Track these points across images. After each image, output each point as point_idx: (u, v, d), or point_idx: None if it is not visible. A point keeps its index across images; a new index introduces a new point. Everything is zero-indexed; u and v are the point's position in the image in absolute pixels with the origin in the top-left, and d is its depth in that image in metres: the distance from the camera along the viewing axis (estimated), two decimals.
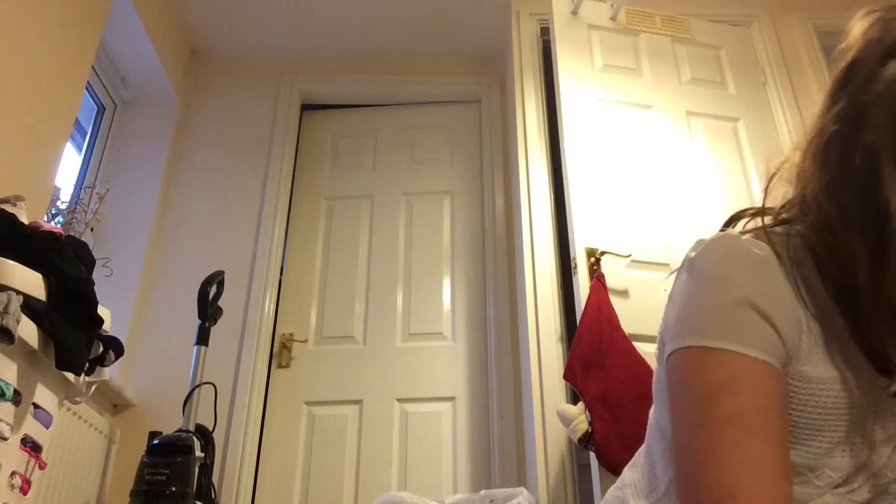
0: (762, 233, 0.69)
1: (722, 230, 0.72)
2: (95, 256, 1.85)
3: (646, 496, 0.77)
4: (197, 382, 2.06)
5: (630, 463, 0.86)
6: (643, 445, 0.83)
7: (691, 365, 0.64)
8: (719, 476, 0.58)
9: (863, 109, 0.65)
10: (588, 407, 1.86)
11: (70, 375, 1.65)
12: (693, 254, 0.71)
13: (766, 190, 0.75)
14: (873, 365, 0.62)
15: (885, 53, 0.66)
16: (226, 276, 2.24)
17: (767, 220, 0.71)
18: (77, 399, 1.80)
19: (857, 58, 0.69)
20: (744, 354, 0.62)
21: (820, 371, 0.64)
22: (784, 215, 0.72)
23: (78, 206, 2.65)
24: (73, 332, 1.56)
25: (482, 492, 1.88)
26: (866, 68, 0.67)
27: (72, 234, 2.44)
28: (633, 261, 2.11)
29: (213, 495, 2.00)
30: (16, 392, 1.44)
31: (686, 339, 0.65)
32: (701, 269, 0.69)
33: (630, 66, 2.58)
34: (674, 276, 0.75)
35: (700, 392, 0.63)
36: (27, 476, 1.50)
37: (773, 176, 0.75)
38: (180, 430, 1.94)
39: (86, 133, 2.94)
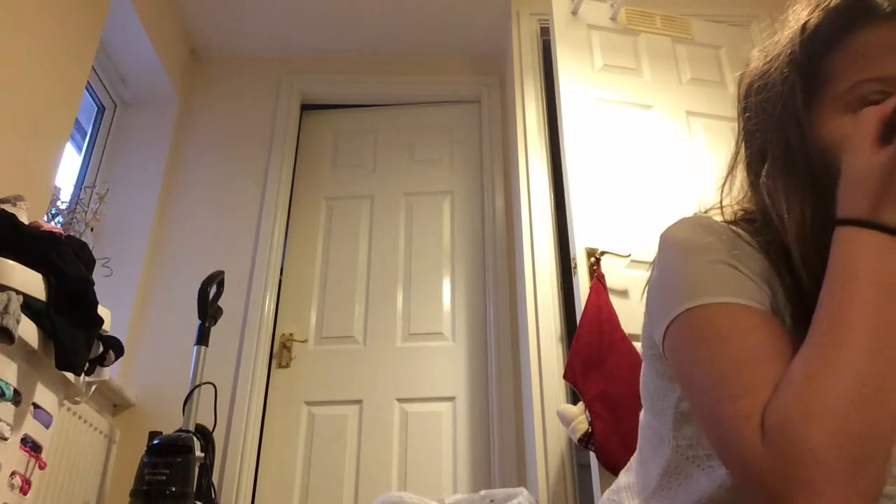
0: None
1: None
2: (95, 256, 1.85)
3: (638, 495, 0.78)
4: (197, 382, 2.06)
5: (625, 468, 0.87)
6: (636, 450, 0.83)
7: (691, 325, 0.66)
8: (737, 396, 0.58)
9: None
10: (588, 407, 1.86)
11: (70, 375, 1.65)
12: (665, 232, 0.75)
13: (721, 188, 0.79)
14: None
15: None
16: (226, 276, 2.23)
17: (728, 213, 0.76)
18: (77, 399, 1.80)
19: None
20: (736, 304, 0.64)
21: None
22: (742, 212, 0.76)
23: (78, 206, 2.64)
24: (73, 332, 1.56)
25: (482, 492, 1.88)
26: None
27: (72, 234, 2.44)
28: (632, 261, 2.11)
29: (213, 495, 2.00)
30: (16, 392, 1.44)
31: (678, 307, 0.67)
32: (675, 241, 0.73)
33: (630, 66, 2.58)
34: None
35: (704, 350, 0.63)
36: (27, 476, 1.50)
37: (729, 171, 0.79)
38: (180, 430, 1.94)
39: (86, 133, 2.94)
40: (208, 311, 2.11)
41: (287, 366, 2.74)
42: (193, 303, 2.11)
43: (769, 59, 0.74)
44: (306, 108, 3.30)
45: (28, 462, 1.50)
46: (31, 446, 1.52)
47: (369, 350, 2.79)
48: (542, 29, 2.89)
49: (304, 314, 2.86)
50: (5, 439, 1.41)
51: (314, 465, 2.56)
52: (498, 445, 2.53)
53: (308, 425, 2.64)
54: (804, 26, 0.71)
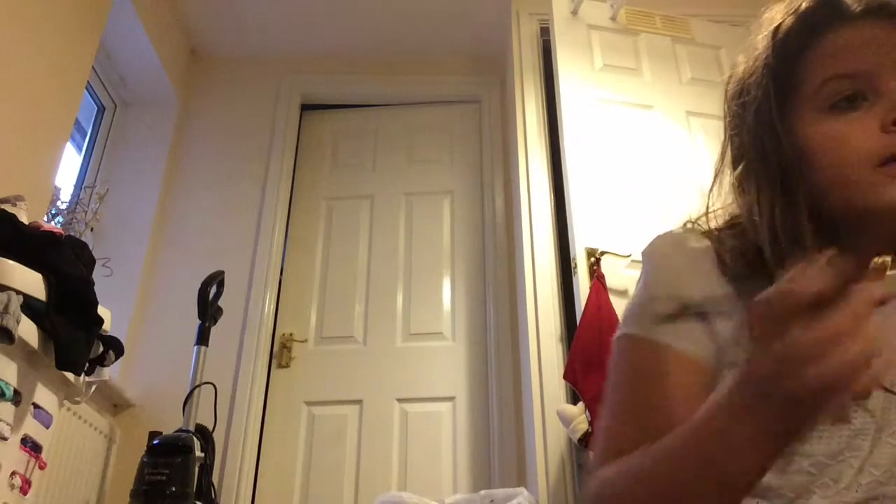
0: (709, 232, 0.74)
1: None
2: (95, 256, 1.84)
3: None
4: (197, 382, 2.06)
5: None
6: None
7: (618, 350, 0.69)
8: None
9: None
10: (588, 407, 1.86)
11: (70, 375, 1.65)
12: (644, 250, 0.76)
13: (709, 192, 0.80)
14: None
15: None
16: (226, 276, 2.23)
17: (717, 218, 0.77)
18: (77, 399, 1.80)
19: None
20: (660, 343, 0.66)
21: None
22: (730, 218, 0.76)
23: (78, 206, 2.64)
24: (73, 332, 1.56)
25: (482, 492, 1.88)
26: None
27: (72, 234, 2.44)
28: (632, 261, 2.11)
29: (213, 495, 2.00)
30: (16, 392, 1.44)
31: (620, 328, 0.70)
32: (643, 264, 0.75)
33: (630, 66, 2.58)
34: None
35: (618, 377, 0.68)
36: (27, 476, 1.50)
37: (715, 177, 0.80)
38: (180, 430, 1.94)
39: (86, 133, 2.94)
40: (208, 311, 2.11)
41: (287, 366, 2.74)
42: (193, 303, 2.11)
43: (747, 63, 0.76)
44: (306, 108, 3.30)
45: (28, 462, 1.50)
46: (31, 446, 1.52)
47: (369, 350, 2.79)
48: (542, 29, 2.89)
49: (304, 314, 2.85)
50: (5, 439, 1.41)
51: (314, 465, 2.56)
52: (498, 445, 2.53)
53: (308, 425, 2.64)
54: (776, 30, 0.72)
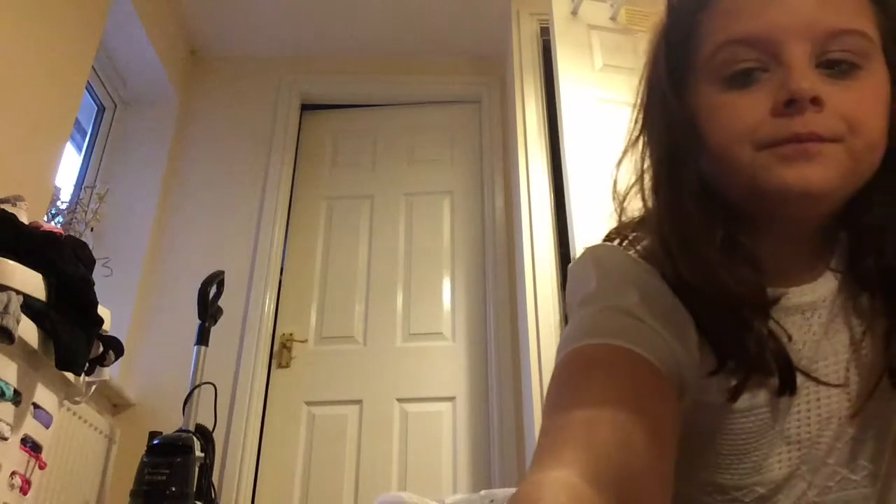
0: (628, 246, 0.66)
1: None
2: (95, 256, 1.84)
3: None
4: (197, 382, 2.06)
5: None
6: None
7: (558, 364, 0.58)
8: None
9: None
10: None
11: (70, 375, 1.65)
12: (570, 267, 0.68)
13: (620, 209, 0.71)
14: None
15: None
16: (226, 276, 2.23)
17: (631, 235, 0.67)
18: (77, 399, 1.80)
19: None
20: (604, 343, 0.55)
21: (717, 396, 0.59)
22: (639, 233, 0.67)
23: (78, 206, 2.64)
24: (73, 332, 1.56)
25: (482, 492, 1.88)
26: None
27: (72, 234, 2.44)
28: None
29: (213, 495, 2.00)
30: (16, 392, 1.44)
31: (560, 350, 0.59)
32: (569, 275, 0.67)
33: (630, 66, 2.58)
34: None
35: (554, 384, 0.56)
36: (27, 476, 1.50)
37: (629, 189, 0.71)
38: (180, 430, 1.94)
39: (86, 133, 2.94)
40: (208, 311, 2.12)
41: (287, 366, 2.74)
42: (193, 303, 2.11)
43: (655, 28, 0.67)
44: (306, 108, 3.29)
45: (28, 462, 1.50)
46: (31, 446, 1.52)
47: (369, 350, 2.79)
48: (542, 29, 2.89)
49: (304, 314, 2.85)
50: (5, 439, 1.41)
51: (314, 465, 2.56)
52: (498, 445, 2.53)
53: (308, 425, 2.64)
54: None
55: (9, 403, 1.42)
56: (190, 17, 3.10)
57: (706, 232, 0.58)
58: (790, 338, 0.59)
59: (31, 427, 1.52)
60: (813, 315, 0.60)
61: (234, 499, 2.39)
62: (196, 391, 2.04)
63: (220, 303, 2.20)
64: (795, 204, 0.55)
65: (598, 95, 2.44)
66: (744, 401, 0.59)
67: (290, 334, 2.79)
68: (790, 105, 0.54)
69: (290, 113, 3.18)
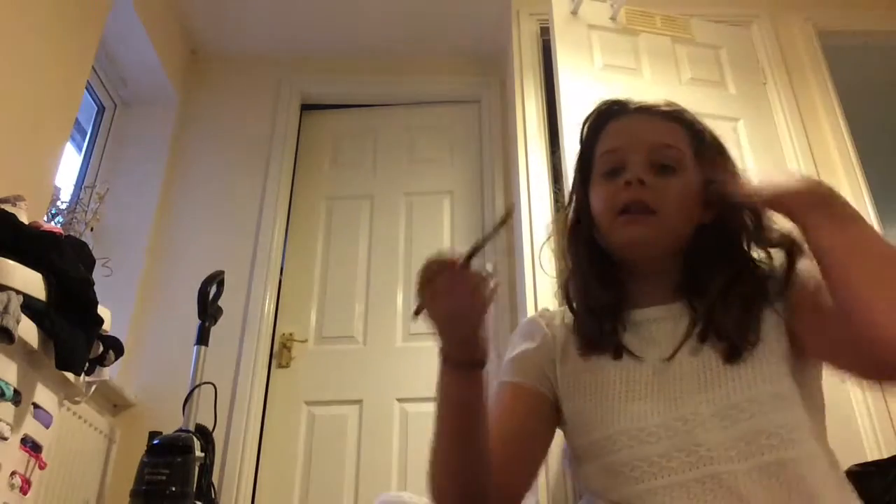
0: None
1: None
2: (95, 256, 1.84)
3: None
4: (197, 382, 2.06)
5: None
6: None
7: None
8: None
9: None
10: None
11: (70, 375, 1.64)
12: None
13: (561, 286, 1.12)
14: (609, 353, 0.95)
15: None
16: (226, 276, 2.23)
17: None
18: (77, 399, 1.80)
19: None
20: (505, 381, 1.03)
21: (573, 366, 0.99)
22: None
23: (78, 206, 2.64)
24: (73, 332, 1.56)
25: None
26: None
27: (72, 234, 2.44)
28: None
29: (213, 495, 2.00)
30: (16, 392, 1.44)
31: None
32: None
33: (630, 66, 2.58)
34: None
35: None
36: (27, 476, 1.50)
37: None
38: (180, 430, 1.94)
39: (86, 133, 2.94)
40: (208, 310, 2.11)
41: (287, 366, 2.74)
42: (193, 303, 2.11)
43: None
44: (306, 108, 3.29)
45: (28, 462, 1.50)
46: (31, 446, 1.52)
47: (369, 350, 2.79)
48: (542, 29, 2.89)
49: (304, 314, 2.85)
50: (5, 439, 1.41)
51: (314, 465, 2.56)
52: None
53: (308, 425, 2.64)
54: (588, 118, 1.10)
55: (9, 403, 1.42)
56: (190, 17, 3.10)
57: (592, 271, 1.02)
58: (625, 330, 0.98)
59: (31, 427, 1.52)
60: (660, 322, 0.97)
61: (234, 499, 2.39)
62: (196, 391, 2.04)
63: (220, 303, 2.20)
64: (632, 250, 0.98)
65: (598, 95, 2.41)
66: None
67: (290, 334, 2.79)
68: (627, 185, 0.95)
69: (290, 113, 3.18)
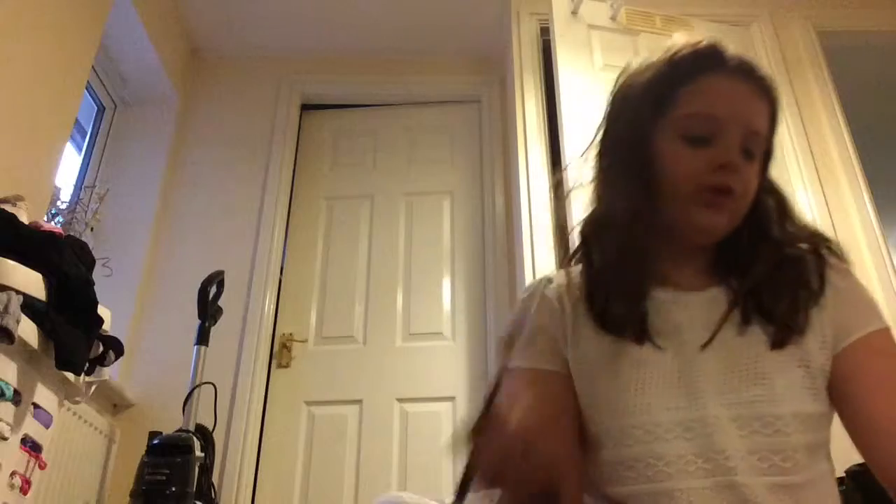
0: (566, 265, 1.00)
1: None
2: (95, 256, 1.84)
3: None
4: (197, 382, 2.06)
5: None
6: None
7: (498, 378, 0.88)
8: None
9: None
10: None
11: (70, 375, 1.65)
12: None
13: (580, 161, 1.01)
14: (630, 337, 0.84)
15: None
16: (226, 276, 2.23)
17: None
18: (77, 399, 1.80)
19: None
20: (521, 368, 0.89)
21: (586, 349, 0.87)
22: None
23: (78, 206, 2.64)
24: (73, 332, 1.56)
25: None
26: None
27: (72, 234, 2.44)
28: None
29: (213, 495, 2.00)
30: (16, 392, 1.44)
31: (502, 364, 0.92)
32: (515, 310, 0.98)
33: None
34: None
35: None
36: (27, 476, 1.50)
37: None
38: (180, 430, 1.94)
39: (86, 133, 2.94)
40: (208, 310, 2.11)
41: (287, 366, 2.74)
42: (193, 303, 2.11)
43: (641, 70, 0.92)
44: (306, 108, 3.29)
45: (28, 462, 1.50)
46: (31, 446, 1.52)
47: (369, 350, 2.79)
48: (542, 29, 2.89)
49: (304, 314, 2.85)
50: (5, 439, 1.41)
51: (314, 465, 2.56)
52: None
53: (308, 425, 2.64)
54: (672, 57, 0.89)
55: (9, 403, 1.42)
56: (190, 17, 3.10)
57: (637, 226, 0.87)
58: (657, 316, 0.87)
59: (31, 427, 1.52)
60: (690, 308, 0.87)
61: (234, 499, 2.39)
62: (196, 391, 2.04)
63: (220, 303, 2.20)
64: (698, 235, 0.87)
65: (598, 95, 2.43)
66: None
67: (290, 334, 2.79)
68: (723, 167, 0.83)
69: (290, 113, 3.18)
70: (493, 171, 3.07)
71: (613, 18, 2.65)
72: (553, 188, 2.30)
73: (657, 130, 0.87)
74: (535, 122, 2.70)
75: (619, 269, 0.87)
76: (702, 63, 0.88)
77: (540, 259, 2.44)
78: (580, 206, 1.05)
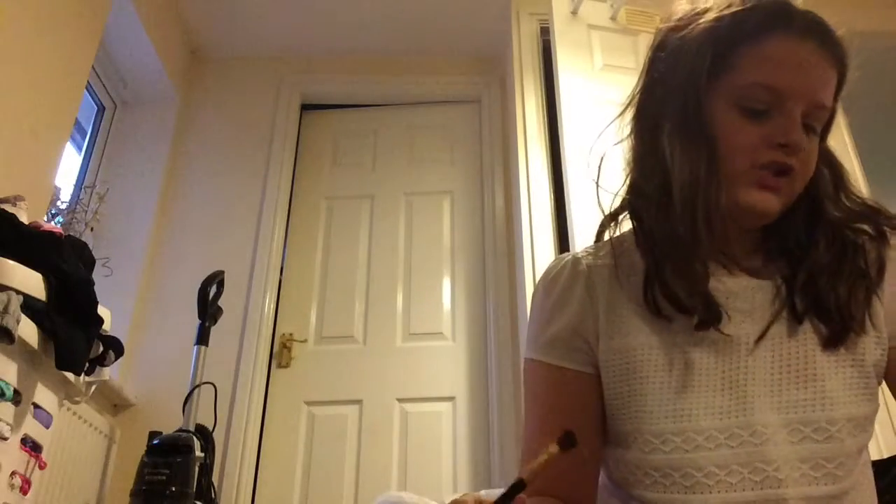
0: (603, 242, 0.88)
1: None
2: (95, 256, 1.85)
3: None
4: (197, 382, 2.06)
5: None
6: None
7: (525, 371, 0.85)
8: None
9: (651, 88, 0.85)
10: None
11: (70, 375, 1.65)
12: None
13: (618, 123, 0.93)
14: (696, 321, 0.75)
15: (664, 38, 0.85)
16: (226, 276, 2.23)
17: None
18: (77, 399, 1.80)
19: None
20: (552, 365, 0.81)
21: (624, 341, 0.78)
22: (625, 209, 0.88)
23: (78, 206, 2.64)
24: (73, 332, 1.56)
25: (482, 492, 1.88)
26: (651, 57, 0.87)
27: (72, 234, 2.44)
28: None
29: (213, 495, 2.00)
30: (16, 392, 1.44)
31: (526, 350, 0.85)
32: (534, 292, 0.88)
33: (630, 66, 2.57)
34: None
35: (526, 401, 0.85)
36: (27, 476, 1.50)
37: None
38: (180, 430, 1.94)
39: (86, 133, 2.94)
40: (208, 310, 2.11)
41: (287, 366, 2.74)
42: (193, 303, 2.11)
43: (692, 23, 0.81)
44: (306, 108, 3.29)
45: (28, 462, 1.50)
46: (31, 446, 1.52)
47: (369, 350, 2.79)
48: (542, 29, 2.89)
49: (304, 314, 2.85)
50: (5, 439, 1.41)
51: (314, 465, 2.56)
52: (498, 445, 2.53)
53: (308, 425, 2.64)
54: (734, 9, 0.78)
55: (9, 403, 1.42)
56: (190, 17, 3.10)
57: (707, 192, 0.75)
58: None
59: (31, 427, 1.52)
60: (737, 295, 0.78)
61: (234, 499, 2.39)
62: (196, 391, 2.04)
63: (220, 303, 2.20)
64: (748, 216, 0.77)
65: (598, 95, 2.44)
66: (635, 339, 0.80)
67: (290, 334, 2.79)
68: (784, 146, 0.73)
69: (290, 113, 3.18)
70: (493, 171, 3.07)
71: (613, 18, 2.65)
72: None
73: (712, 93, 0.77)
74: (535, 122, 2.70)
75: (681, 246, 0.76)
76: (767, 21, 0.76)
77: (540, 259, 2.44)
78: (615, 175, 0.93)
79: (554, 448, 0.57)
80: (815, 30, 0.77)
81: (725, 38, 0.77)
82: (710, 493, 0.70)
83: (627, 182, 0.89)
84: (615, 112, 0.93)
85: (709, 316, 0.74)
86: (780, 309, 0.76)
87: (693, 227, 0.75)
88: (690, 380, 0.74)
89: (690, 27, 0.80)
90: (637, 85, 0.88)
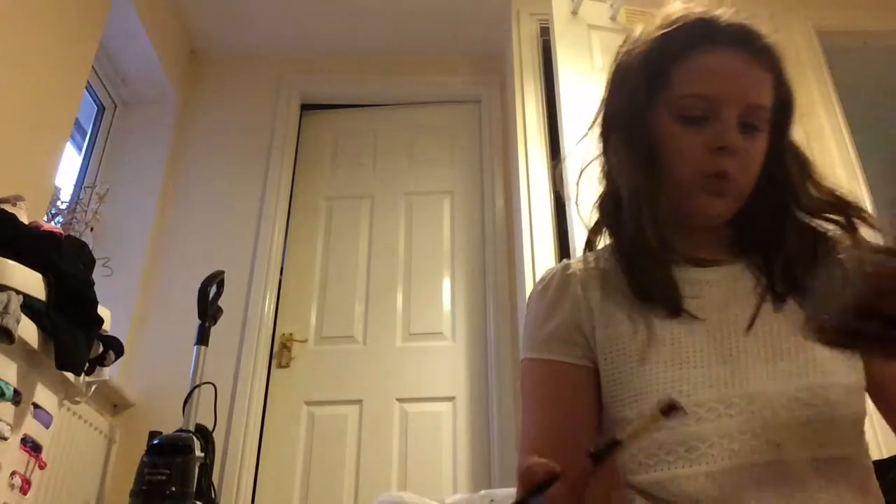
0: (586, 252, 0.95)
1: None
2: (95, 256, 1.85)
3: None
4: (197, 382, 2.06)
5: None
6: None
7: (523, 371, 0.87)
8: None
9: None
10: None
11: (70, 375, 1.65)
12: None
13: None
14: (663, 310, 0.81)
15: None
16: (226, 276, 2.23)
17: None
18: (77, 399, 1.80)
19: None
20: (542, 359, 0.84)
21: (619, 329, 0.82)
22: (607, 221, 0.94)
23: (78, 206, 2.64)
24: (73, 332, 1.56)
25: (482, 492, 1.88)
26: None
27: (72, 234, 2.44)
28: None
29: (213, 495, 2.00)
30: (16, 392, 1.44)
31: (522, 352, 0.88)
32: (528, 298, 0.93)
33: None
34: None
35: (524, 400, 0.86)
36: (27, 476, 1.50)
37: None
38: (180, 430, 1.94)
39: (86, 133, 2.94)
40: (208, 311, 2.11)
41: (287, 366, 2.74)
42: (193, 303, 2.11)
43: (637, 43, 0.88)
44: (306, 108, 3.29)
45: (28, 462, 1.50)
46: (31, 446, 1.52)
47: (369, 350, 2.79)
48: (542, 29, 2.89)
49: (304, 314, 2.85)
50: (5, 439, 1.41)
51: (314, 465, 2.56)
52: (498, 445, 2.53)
53: (308, 425, 2.64)
54: (664, 31, 0.86)
55: (9, 403, 1.42)
56: (190, 17, 3.10)
57: (653, 208, 0.83)
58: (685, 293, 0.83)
59: (31, 427, 1.52)
60: (714, 284, 0.84)
61: (234, 499, 2.39)
62: (196, 391, 2.04)
63: (220, 303, 2.20)
64: (702, 221, 0.85)
65: (598, 95, 2.42)
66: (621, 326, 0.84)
67: (290, 334, 2.79)
68: (720, 150, 0.80)
69: (290, 113, 3.18)
70: (493, 171, 3.07)
71: (613, 18, 2.65)
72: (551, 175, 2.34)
73: (655, 109, 0.85)
74: (535, 122, 2.70)
75: (637, 242, 0.83)
76: (692, 38, 0.84)
77: (540, 259, 2.44)
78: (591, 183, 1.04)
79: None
80: (740, 38, 0.83)
81: (658, 57, 0.85)
82: (716, 462, 0.72)
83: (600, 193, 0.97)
84: None
85: (673, 306, 0.80)
86: (764, 293, 0.82)
87: (641, 233, 0.82)
88: (688, 358, 0.78)
89: (635, 49, 0.88)
90: (599, 105, 0.96)
